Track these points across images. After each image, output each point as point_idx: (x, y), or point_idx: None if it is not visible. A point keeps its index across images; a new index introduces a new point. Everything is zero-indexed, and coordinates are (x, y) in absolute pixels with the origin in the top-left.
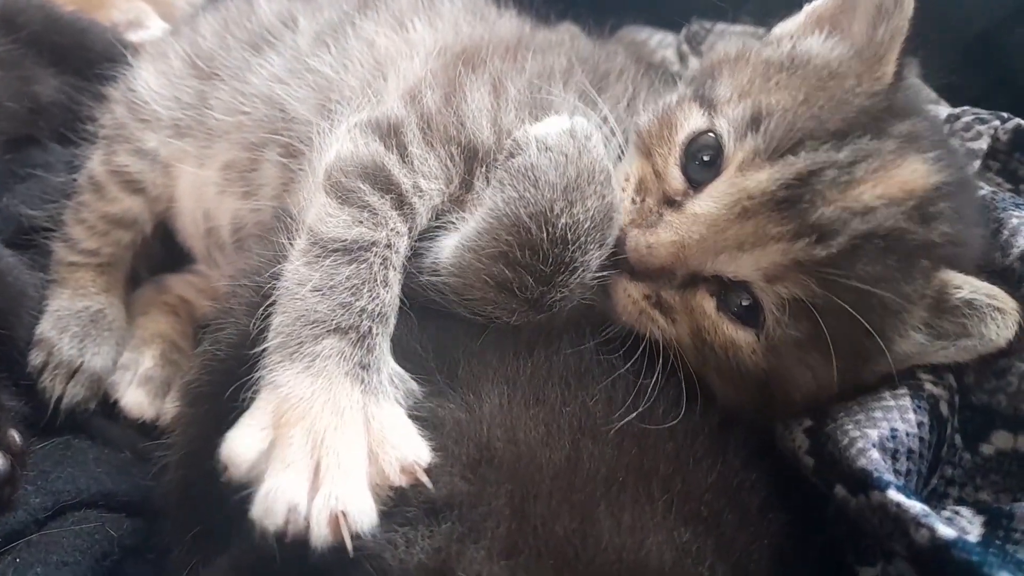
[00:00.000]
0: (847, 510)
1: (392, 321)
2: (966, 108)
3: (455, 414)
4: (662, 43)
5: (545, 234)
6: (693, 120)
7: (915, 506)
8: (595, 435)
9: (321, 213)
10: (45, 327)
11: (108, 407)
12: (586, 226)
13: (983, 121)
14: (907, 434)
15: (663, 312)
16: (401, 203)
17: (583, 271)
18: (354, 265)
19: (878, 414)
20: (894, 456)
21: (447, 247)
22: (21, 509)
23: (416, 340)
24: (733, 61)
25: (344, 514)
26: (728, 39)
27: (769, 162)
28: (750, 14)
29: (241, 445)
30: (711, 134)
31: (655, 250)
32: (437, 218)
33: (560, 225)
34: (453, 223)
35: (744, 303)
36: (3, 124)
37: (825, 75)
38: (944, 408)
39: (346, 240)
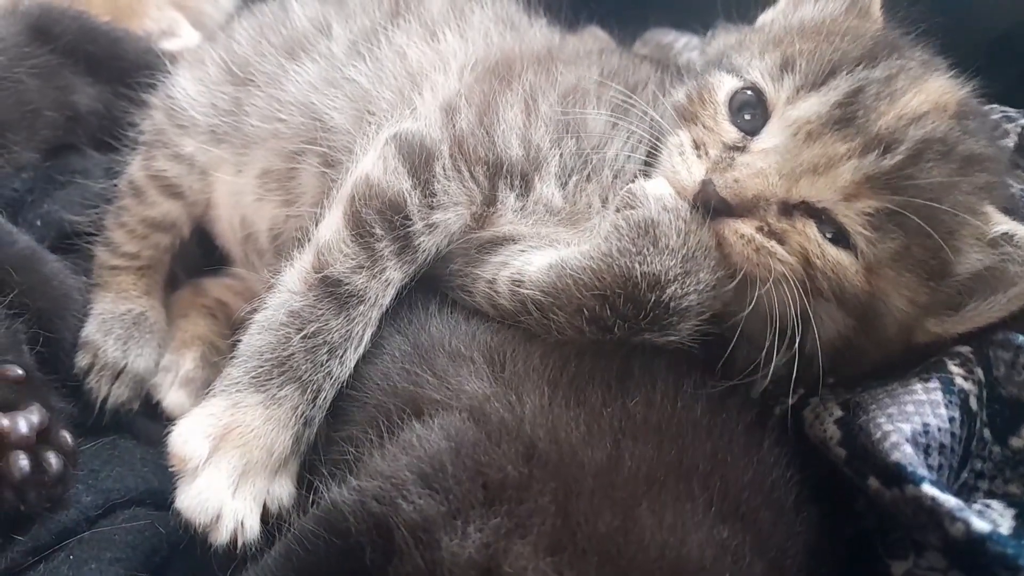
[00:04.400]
0: (881, 501)
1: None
2: (994, 106)
3: (500, 413)
4: (687, 46)
5: (653, 296)
6: (727, 82)
7: (950, 500)
8: (635, 435)
9: (335, 240)
10: (90, 330)
11: (151, 408)
12: (693, 300)
13: (1011, 119)
14: (939, 429)
15: (779, 240)
16: (405, 247)
17: (674, 336)
18: (343, 318)
19: (910, 408)
20: (926, 451)
21: (535, 263)
22: (73, 507)
23: (461, 341)
24: (737, 44)
25: (243, 527)
26: (723, 34)
27: (813, 91)
28: None
29: (191, 447)
30: (748, 91)
31: (743, 182)
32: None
33: (669, 292)
34: (528, 238)
35: (833, 233)
36: (44, 133)
37: (828, 24)
38: (974, 402)
39: (347, 285)
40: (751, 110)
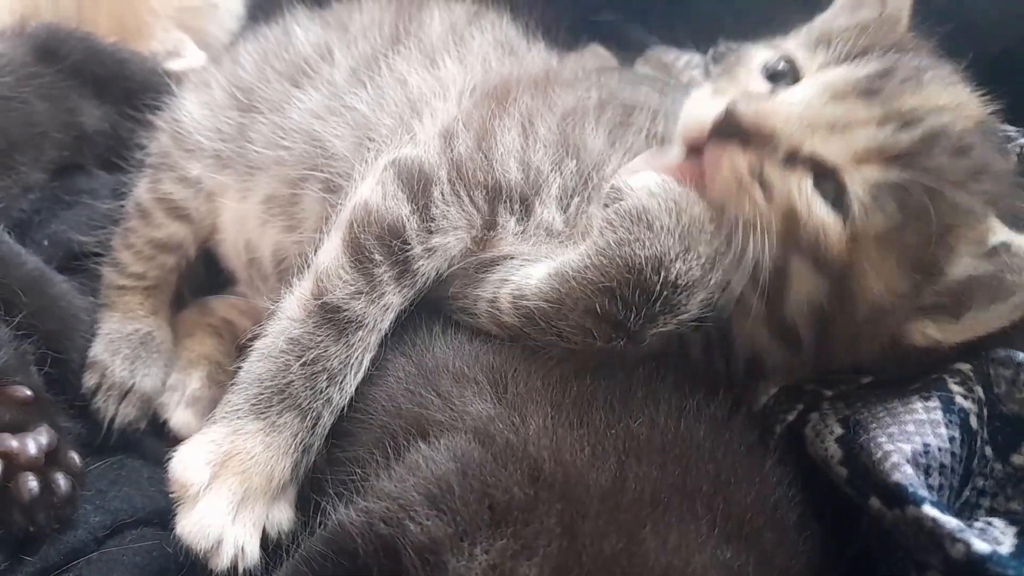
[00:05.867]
0: (882, 522)
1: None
2: None
3: (505, 434)
4: (689, 64)
5: (659, 277)
6: (763, 52)
7: (950, 521)
8: (639, 456)
9: (334, 266)
10: (98, 350)
11: (158, 427)
12: (697, 273)
13: (1010, 139)
14: (939, 449)
15: (762, 187)
16: (404, 272)
17: (687, 314)
18: (342, 344)
19: (910, 428)
20: (926, 471)
21: (535, 276)
22: (81, 528)
23: (464, 362)
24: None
25: (244, 553)
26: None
27: (845, 62)
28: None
29: (192, 473)
30: (783, 61)
31: (765, 113)
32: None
33: (674, 270)
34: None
35: (833, 195)
36: (51, 153)
37: (864, 24)
38: (974, 421)
39: (346, 311)
40: (783, 79)
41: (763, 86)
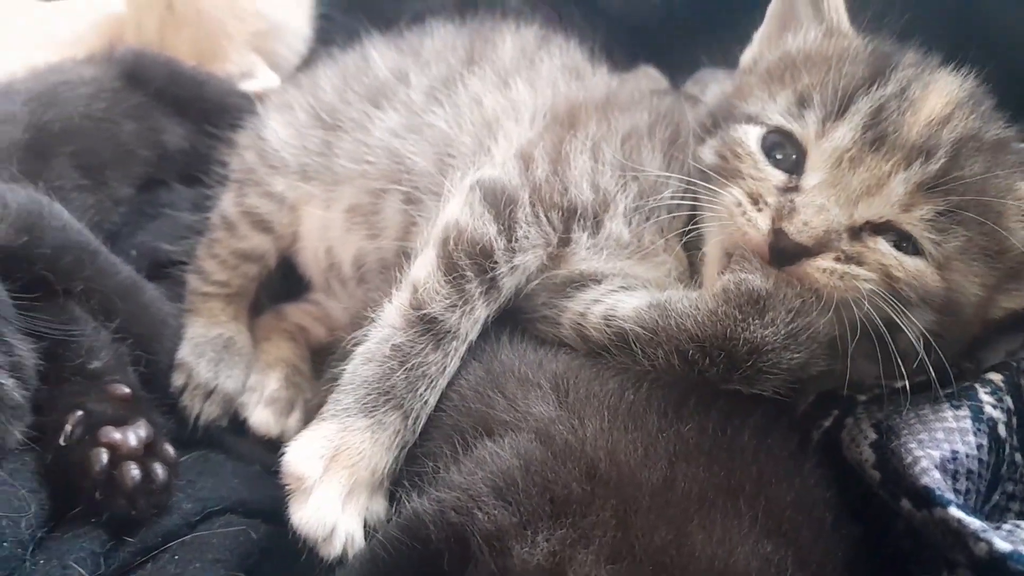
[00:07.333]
0: (913, 522)
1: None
2: None
3: (564, 435)
4: None
5: (750, 360)
6: (751, 132)
7: (974, 522)
8: (688, 458)
9: (430, 281)
10: (184, 352)
11: (238, 425)
12: (784, 372)
13: None
14: (967, 456)
15: (857, 263)
16: (491, 288)
17: (761, 392)
18: (439, 352)
19: (940, 435)
20: (954, 476)
21: (629, 303)
22: (175, 513)
23: (529, 368)
24: (736, 92)
25: (353, 540)
26: (714, 84)
27: (839, 120)
28: None
29: (306, 467)
30: (775, 134)
31: (811, 224)
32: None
33: (767, 359)
34: (611, 277)
35: (903, 243)
36: (138, 170)
37: (818, 52)
38: (1002, 430)
39: (441, 322)
40: (781, 150)
41: (779, 176)
